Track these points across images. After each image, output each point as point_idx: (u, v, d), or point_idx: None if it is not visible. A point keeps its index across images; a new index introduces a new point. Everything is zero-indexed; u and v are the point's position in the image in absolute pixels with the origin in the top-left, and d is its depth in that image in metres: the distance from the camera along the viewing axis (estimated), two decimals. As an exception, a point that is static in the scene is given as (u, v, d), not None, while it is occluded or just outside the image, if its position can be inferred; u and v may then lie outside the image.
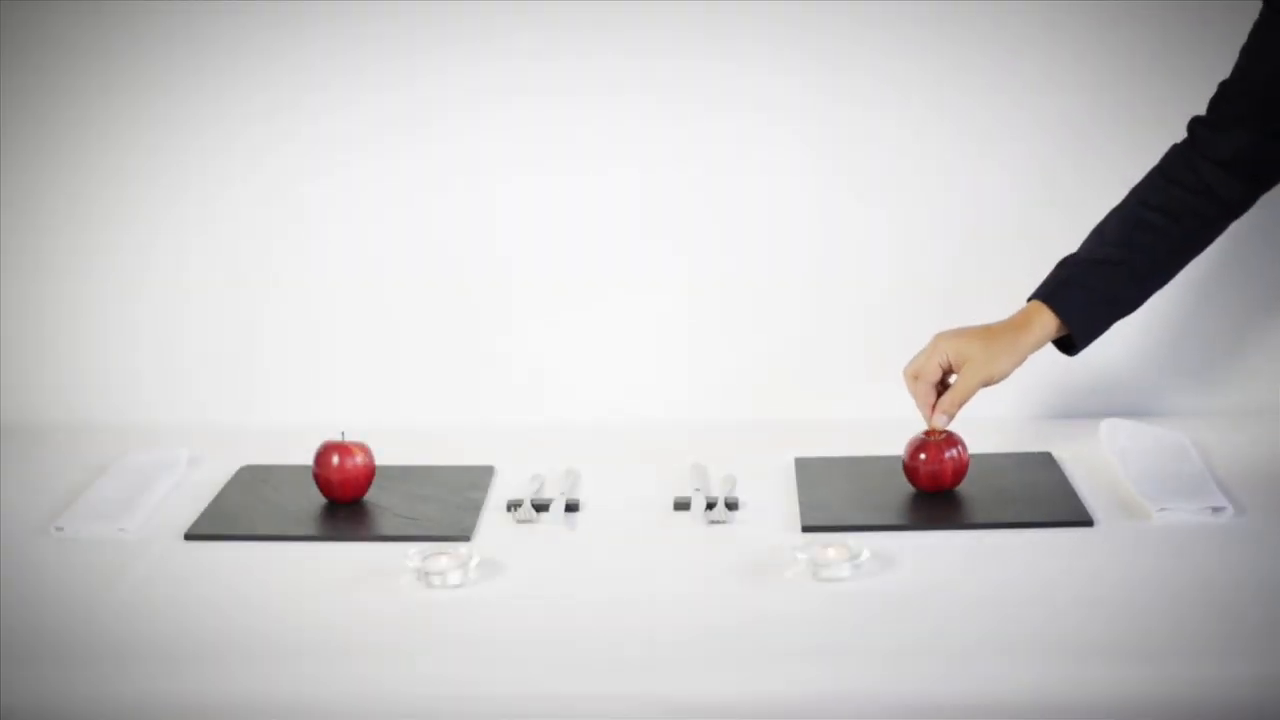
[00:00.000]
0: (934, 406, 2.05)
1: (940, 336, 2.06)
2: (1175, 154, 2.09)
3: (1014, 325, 2.06)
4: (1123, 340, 2.33)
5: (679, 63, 2.35)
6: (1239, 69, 2.04)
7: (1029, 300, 2.08)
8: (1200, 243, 2.10)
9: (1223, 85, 2.06)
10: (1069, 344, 2.09)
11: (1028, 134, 2.35)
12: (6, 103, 2.38)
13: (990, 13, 2.33)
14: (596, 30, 2.35)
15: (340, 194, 2.40)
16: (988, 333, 2.05)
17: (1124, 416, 2.28)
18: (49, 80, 2.37)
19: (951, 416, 2.05)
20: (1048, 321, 2.05)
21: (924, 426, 2.07)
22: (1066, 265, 2.09)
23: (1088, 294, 2.06)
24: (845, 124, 2.36)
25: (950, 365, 2.05)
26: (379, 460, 2.11)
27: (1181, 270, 2.11)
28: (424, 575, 1.84)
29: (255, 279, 2.43)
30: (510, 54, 2.36)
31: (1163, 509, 1.98)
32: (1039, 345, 2.07)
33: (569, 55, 2.35)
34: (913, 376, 2.06)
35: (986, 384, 2.04)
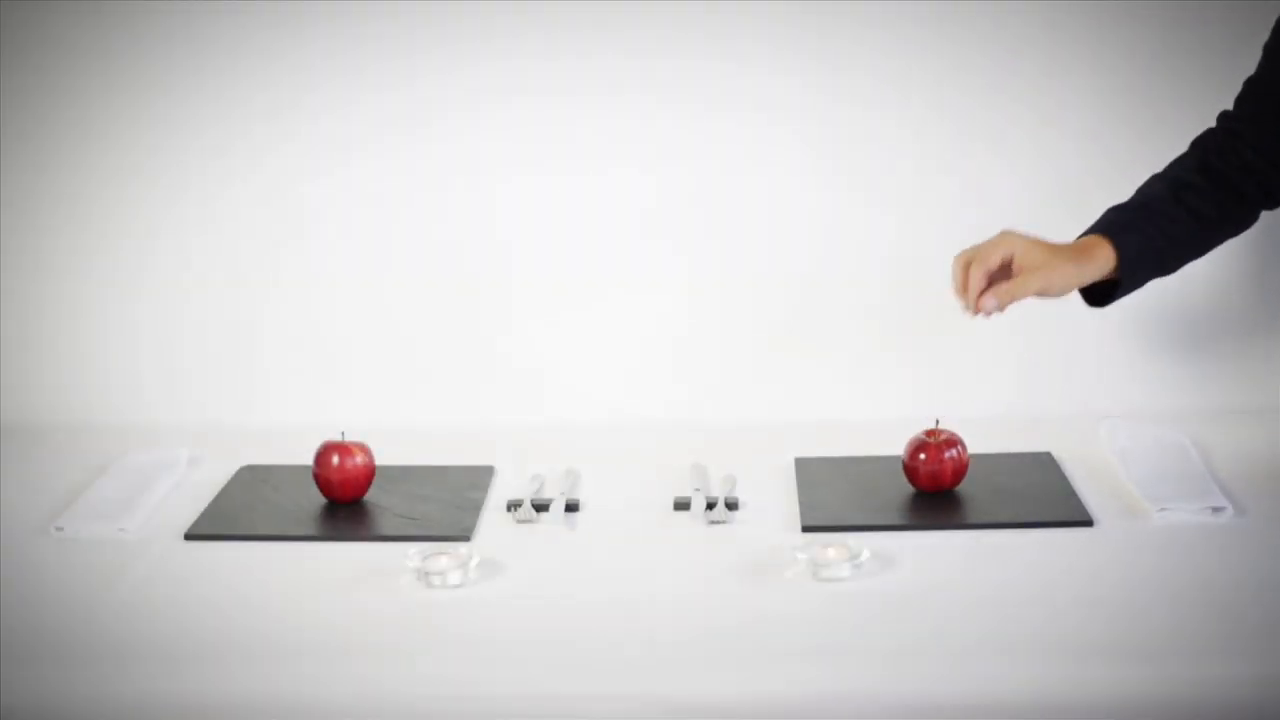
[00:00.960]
0: (981, 294, 1.96)
1: (1008, 232, 1.98)
2: (1210, 137, 2.07)
3: (1078, 249, 1.98)
4: (1122, 340, 2.34)
5: (679, 63, 2.35)
6: (1263, 68, 2.04)
7: (1084, 235, 2.02)
8: (1234, 220, 2.06)
9: (1249, 82, 2.06)
10: (1100, 295, 2.03)
11: (1030, 133, 2.36)
12: (6, 103, 2.38)
13: (990, 13, 2.33)
14: (596, 30, 2.35)
15: (340, 194, 2.41)
16: (1055, 247, 1.97)
17: (1124, 417, 2.28)
18: (49, 80, 2.37)
19: (1001, 308, 1.95)
20: (1108, 256, 1.98)
21: (924, 428, 2.07)
22: (1121, 210, 2.03)
23: (1143, 238, 2.00)
24: (845, 124, 2.36)
25: (1011, 262, 1.96)
26: (379, 460, 2.12)
27: (1213, 248, 2.07)
28: (424, 575, 1.84)
29: (255, 279, 2.43)
30: (510, 54, 2.36)
31: (1163, 509, 1.99)
32: (1095, 277, 1.99)
33: (569, 55, 2.36)
34: (966, 262, 1.96)
35: (1042, 294, 1.95)
